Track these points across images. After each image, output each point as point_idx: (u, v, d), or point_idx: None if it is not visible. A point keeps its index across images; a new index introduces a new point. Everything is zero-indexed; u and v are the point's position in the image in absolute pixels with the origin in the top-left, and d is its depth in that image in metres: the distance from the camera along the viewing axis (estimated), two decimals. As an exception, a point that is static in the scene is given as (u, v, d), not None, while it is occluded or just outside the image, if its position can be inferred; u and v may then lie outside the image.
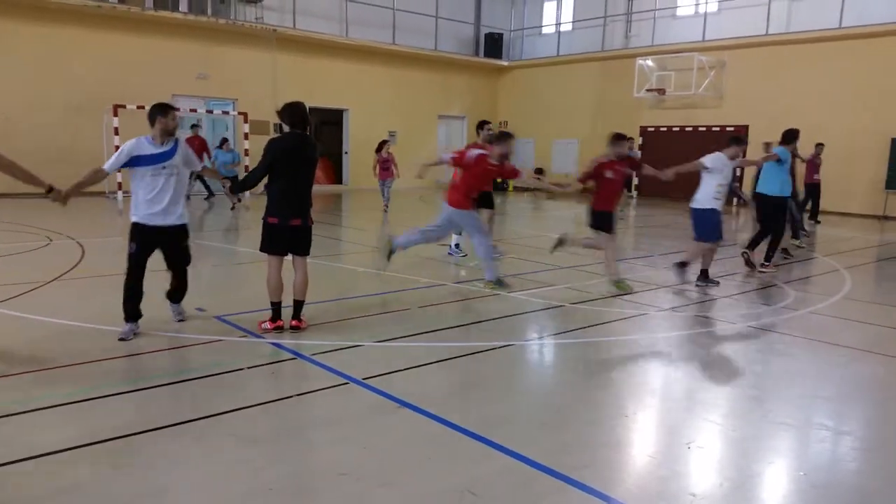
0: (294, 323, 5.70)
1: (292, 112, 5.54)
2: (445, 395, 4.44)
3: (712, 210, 7.94)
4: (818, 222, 14.99)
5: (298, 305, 5.74)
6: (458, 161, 7.70)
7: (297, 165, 5.51)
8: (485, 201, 9.12)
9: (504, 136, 7.84)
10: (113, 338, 5.37)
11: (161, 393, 4.35)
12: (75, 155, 16.49)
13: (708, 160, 7.94)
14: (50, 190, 5.04)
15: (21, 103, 15.74)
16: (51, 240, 9.98)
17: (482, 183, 7.94)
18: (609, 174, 7.65)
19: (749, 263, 9.04)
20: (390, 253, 7.60)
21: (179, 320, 5.86)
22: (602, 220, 7.81)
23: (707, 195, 7.92)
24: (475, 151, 7.68)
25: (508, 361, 5.30)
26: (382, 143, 15.61)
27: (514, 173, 8.02)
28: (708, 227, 7.97)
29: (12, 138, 15.06)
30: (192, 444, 3.65)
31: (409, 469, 3.45)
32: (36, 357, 5.00)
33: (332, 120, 21.92)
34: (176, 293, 5.86)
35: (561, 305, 7.04)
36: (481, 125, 9.47)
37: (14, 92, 15.51)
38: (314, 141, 5.77)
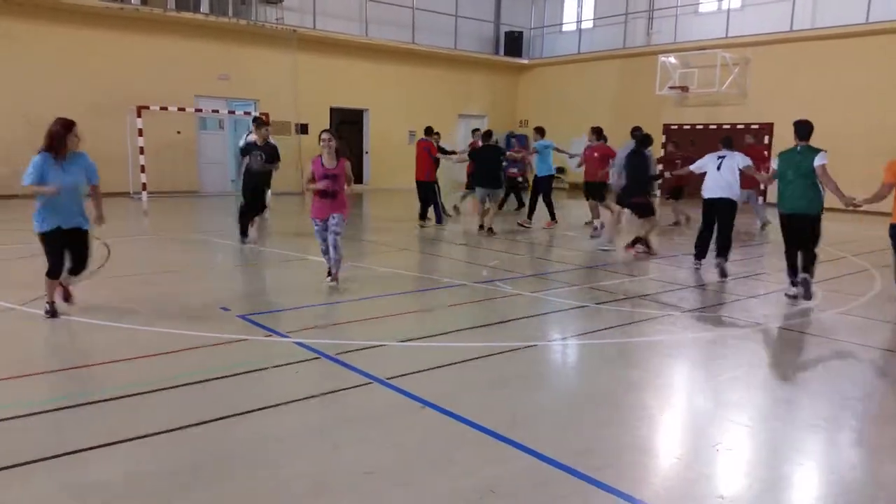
0: None
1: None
2: (469, 396, 4.42)
3: None
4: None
5: None
6: None
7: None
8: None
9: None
10: (139, 337, 5.42)
11: (186, 392, 4.38)
12: (100, 155, 16.59)
13: None
14: None
15: (44, 104, 15.90)
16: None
17: None
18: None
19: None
20: None
21: None
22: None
23: None
24: None
25: (532, 362, 5.27)
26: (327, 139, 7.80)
27: None
28: None
29: (36, 139, 15.25)
30: (217, 443, 3.68)
31: (431, 468, 3.44)
32: (62, 356, 5.06)
33: (352, 119, 21.98)
34: None
35: (585, 306, 6.99)
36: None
37: (37, 93, 15.71)
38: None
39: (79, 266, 6.06)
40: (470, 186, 14.91)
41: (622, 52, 22.48)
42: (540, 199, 13.18)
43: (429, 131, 13.04)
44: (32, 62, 15.99)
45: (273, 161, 10.32)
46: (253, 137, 10.72)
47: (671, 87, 20.09)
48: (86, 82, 16.52)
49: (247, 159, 10.26)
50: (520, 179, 16.11)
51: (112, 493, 3.15)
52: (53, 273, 5.86)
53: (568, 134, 23.43)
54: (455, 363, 5.04)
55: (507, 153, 13.05)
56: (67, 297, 6.14)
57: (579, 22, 24.46)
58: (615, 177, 11.31)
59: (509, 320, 6.33)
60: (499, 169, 11.97)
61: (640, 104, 21.22)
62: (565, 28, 25.10)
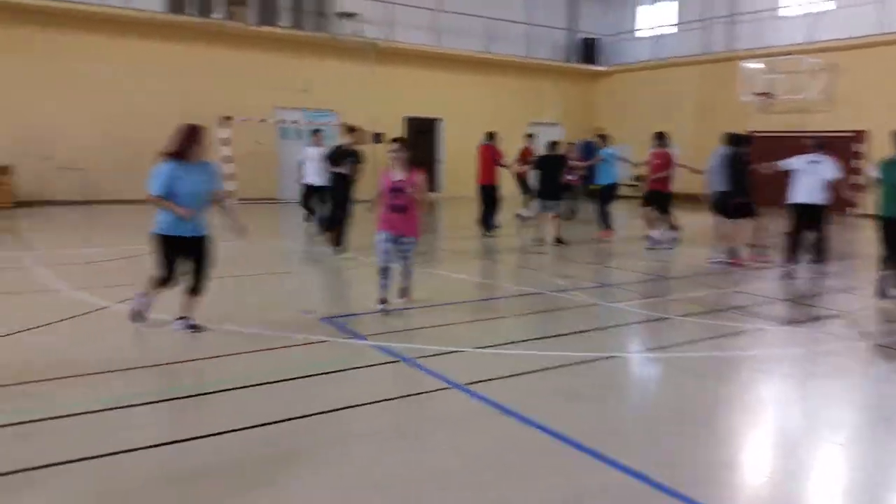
0: None
1: None
2: (549, 405, 4.35)
3: None
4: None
5: None
6: None
7: None
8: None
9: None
10: (225, 337, 5.58)
11: (269, 390, 4.49)
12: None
13: None
14: None
15: (135, 114, 16.75)
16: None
17: None
18: None
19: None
20: None
21: None
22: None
23: None
24: None
25: (613, 373, 5.16)
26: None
27: None
28: None
29: (132, 148, 16.05)
30: (304, 440, 3.75)
31: (513, 477, 3.39)
32: (156, 353, 5.26)
33: (426, 129, 22.18)
34: None
35: (667, 318, 6.79)
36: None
37: (127, 104, 16.58)
38: None
39: (200, 281, 5.63)
40: (525, 193, 14.83)
41: (702, 58, 21.89)
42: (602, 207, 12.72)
43: (491, 136, 12.88)
44: (124, 74, 16.81)
45: (358, 163, 10.16)
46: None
47: (755, 94, 19.41)
48: (173, 93, 17.23)
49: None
50: (596, 186, 15.56)
51: (193, 487, 3.25)
52: (163, 282, 5.58)
53: (648, 141, 23.00)
54: (533, 371, 4.98)
55: (570, 163, 12.76)
56: (195, 327, 5.69)
57: (657, 28, 23.99)
58: (706, 182, 10.75)
59: (588, 330, 6.21)
60: (560, 179, 11.60)
61: (722, 111, 20.57)
62: (642, 34, 24.66)
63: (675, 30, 23.37)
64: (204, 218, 5.63)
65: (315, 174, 12.48)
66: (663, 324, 6.59)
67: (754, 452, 3.95)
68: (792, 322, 6.81)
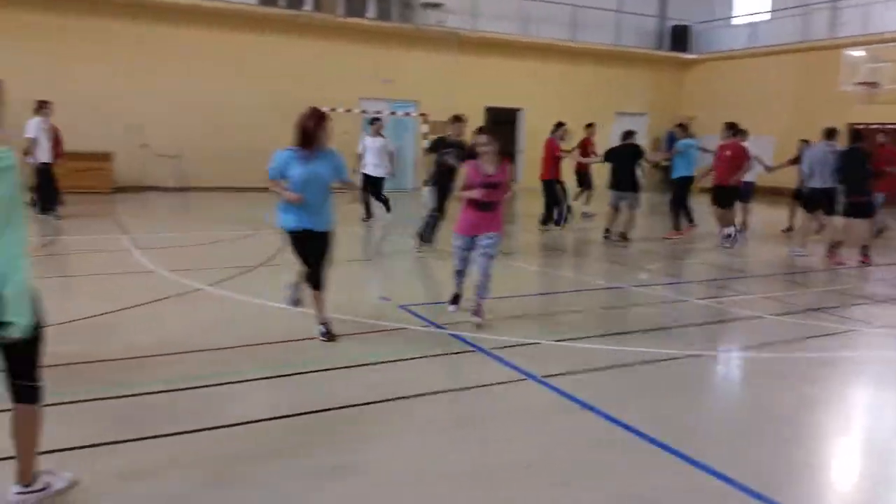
0: None
1: None
2: (629, 401, 4.26)
3: None
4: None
5: None
6: None
7: None
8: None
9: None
10: (303, 320, 5.73)
11: (346, 374, 4.59)
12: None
13: None
14: None
15: (232, 105, 17.40)
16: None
17: None
18: None
19: None
20: None
21: None
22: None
23: None
24: None
25: (697, 372, 5.00)
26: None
27: None
28: None
29: (222, 137, 16.69)
30: (378, 425, 3.82)
31: (589, 472, 3.35)
32: (242, 333, 5.45)
33: (506, 119, 22.03)
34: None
35: (758, 317, 6.52)
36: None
37: (219, 93, 17.21)
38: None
39: (318, 273, 5.26)
40: (582, 186, 14.35)
41: (801, 46, 20.80)
42: (681, 202, 11.80)
43: (557, 126, 12.18)
44: (218, 65, 17.47)
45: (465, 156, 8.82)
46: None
47: (857, 84, 18.31)
48: (264, 84, 17.76)
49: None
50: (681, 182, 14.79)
51: (282, 461, 3.36)
52: (307, 276, 5.30)
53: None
54: (613, 366, 4.89)
55: (647, 155, 12.04)
56: (329, 334, 5.29)
57: (752, 15, 22.96)
58: (806, 178, 9.97)
59: (672, 327, 6.06)
60: (635, 171, 10.97)
61: (820, 102, 19.54)
62: (736, 21, 23.66)
63: (773, 16, 22.32)
64: (327, 211, 5.23)
65: (373, 165, 12.11)
66: (751, 322, 6.34)
67: (843, 458, 3.76)
68: (888, 325, 6.41)
